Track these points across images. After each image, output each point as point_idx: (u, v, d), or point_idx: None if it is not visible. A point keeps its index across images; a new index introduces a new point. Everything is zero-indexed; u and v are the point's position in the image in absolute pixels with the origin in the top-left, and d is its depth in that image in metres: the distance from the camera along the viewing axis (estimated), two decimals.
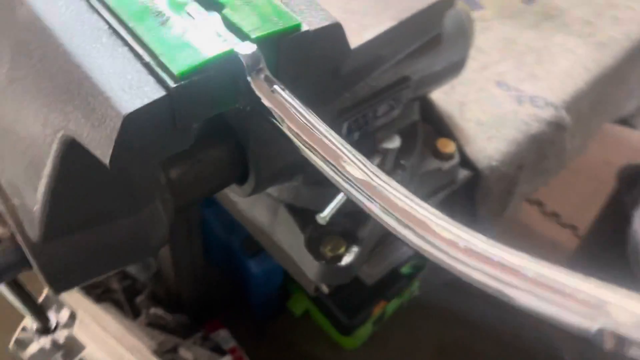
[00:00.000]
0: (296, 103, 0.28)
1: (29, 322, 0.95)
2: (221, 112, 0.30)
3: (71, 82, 0.27)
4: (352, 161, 0.25)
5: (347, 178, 0.25)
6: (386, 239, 0.61)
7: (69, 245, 0.35)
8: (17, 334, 0.95)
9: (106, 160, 0.26)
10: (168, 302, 1.05)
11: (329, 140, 0.26)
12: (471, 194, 0.64)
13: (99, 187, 0.33)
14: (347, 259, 0.48)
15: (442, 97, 0.62)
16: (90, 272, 0.38)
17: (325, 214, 0.43)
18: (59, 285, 0.37)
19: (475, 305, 1.29)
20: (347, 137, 0.47)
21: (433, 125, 0.59)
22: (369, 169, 0.25)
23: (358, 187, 0.25)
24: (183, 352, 0.98)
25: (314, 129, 0.27)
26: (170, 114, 0.27)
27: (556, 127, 0.64)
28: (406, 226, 0.24)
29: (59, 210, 0.32)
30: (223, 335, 1.13)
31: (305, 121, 0.28)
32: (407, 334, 1.26)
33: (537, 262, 0.22)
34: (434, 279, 0.84)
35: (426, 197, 0.55)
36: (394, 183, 0.24)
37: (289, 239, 0.49)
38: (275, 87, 0.28)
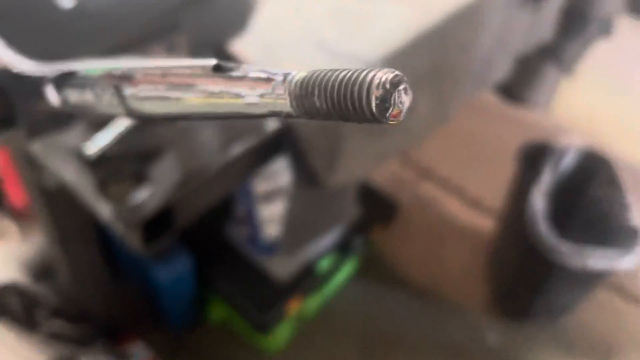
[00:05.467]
0: None
1: None
2: None
3: None
4: None
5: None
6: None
7: None
8: None
9: None
10: (75, 316, 1.05)
11: None
12: (297, 153, 0.67)
13: None
14: (136, 198, 0.51)
15: (257, 56, 0.66)
16: None
17: (90, 145, 0.46)
18: None
19: (399, 300, 1.30)
20: None
21: None
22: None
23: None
24: None
25: None
26: None
27: None
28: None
29: None
30: (138, 347, 1.13)
31: None
32: (330, 334, 1.26)
33: None
34: None
35: (231, 141, 0.58)
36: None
37: (84, 185, 0.52)
38: None
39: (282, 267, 1.16)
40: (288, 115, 0.21)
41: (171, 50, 0.52)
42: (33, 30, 0.41)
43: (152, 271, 1.07)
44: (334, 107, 0.20)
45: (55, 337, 0.99)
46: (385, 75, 0.19)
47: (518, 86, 1.29)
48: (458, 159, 1.53)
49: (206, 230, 1.18)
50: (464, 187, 1.47)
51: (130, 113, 0.23)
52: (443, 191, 1.48)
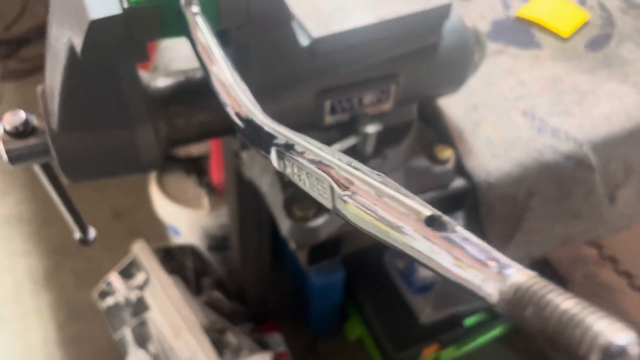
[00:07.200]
0: (214, 43, 0.37)
1: (114, 278, 1.11)
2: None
3: (73, 5, 0.40)
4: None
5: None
6: None
7: (78, 141, 0.47)
8: (101, 286, 1.12)
9: (78, 49, 0.38)
10: (231, 292, 1.16)
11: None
12: (477, 214, 0.66)
13: (98, 94, 0.44)
14: (314, 222, 0.54)
15: (460, 113, 0.66)
16: (93, 171, 0.49)
17: None
18: (69, 174, 0.49)
19: None
20: (331, 115, 0.54)
21: (438, 132, 0.63)
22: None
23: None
24: (229, 335, 1.07)
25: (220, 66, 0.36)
26: (126, 27, 0.38)
27: (577, 164, 0.64)
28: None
29: (69, 107, 0.45)
30: (275, 338, 1.20)
31: (214, 56, 0.36)
32: None
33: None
34: None
35: (413, 192, 0.59)
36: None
37: (273, 199, 0.57)
38: (200, 22, 0.37)
39: (429, 311, 1.15)
40: (489, 304, 0.19)
41: (383, 96, 0.55)
42: (274, 67, 0.47)
43: (307, 274, 1.13)
44: (542, 332, 0.17)
45: (212, 307, 1.09)
46: (617, 336, 0.16)
47: None
48: None
49: (365, 252, 1.21)
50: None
51: (335, 211, 0.25)
52: (623, 283, 1.33)
